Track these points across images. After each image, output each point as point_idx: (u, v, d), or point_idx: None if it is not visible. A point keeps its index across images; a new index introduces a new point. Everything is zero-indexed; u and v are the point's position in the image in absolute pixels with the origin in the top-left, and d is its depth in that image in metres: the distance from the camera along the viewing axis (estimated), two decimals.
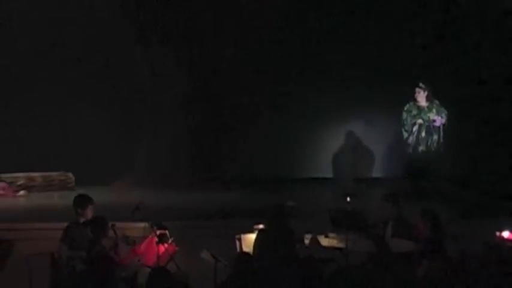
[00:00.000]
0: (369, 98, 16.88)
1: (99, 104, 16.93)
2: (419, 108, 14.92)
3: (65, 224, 9.55)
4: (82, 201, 9.59)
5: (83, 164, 16.08)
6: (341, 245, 9.53)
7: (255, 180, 16.81)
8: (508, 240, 9.13)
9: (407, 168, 15.11)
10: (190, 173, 17.00)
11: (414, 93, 14.95)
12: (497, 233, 9.29)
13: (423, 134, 14.93)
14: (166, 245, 9.28)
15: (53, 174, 16.42)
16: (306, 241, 9.75)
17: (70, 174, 16.39)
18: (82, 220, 9.43)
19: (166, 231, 9.49)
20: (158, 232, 9.42)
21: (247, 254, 8.76)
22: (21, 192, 15.77)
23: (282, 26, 17.20)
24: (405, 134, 15.06)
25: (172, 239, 9.49)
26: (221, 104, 17.49)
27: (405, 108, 15.00)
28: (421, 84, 14.94)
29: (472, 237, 10.05)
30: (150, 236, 9.55)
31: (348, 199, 10.60)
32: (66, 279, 8.93)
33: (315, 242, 9.72)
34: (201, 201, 14.60)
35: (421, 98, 14.93)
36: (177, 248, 9.51)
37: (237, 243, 9.82)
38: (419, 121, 14.87)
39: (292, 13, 17.22)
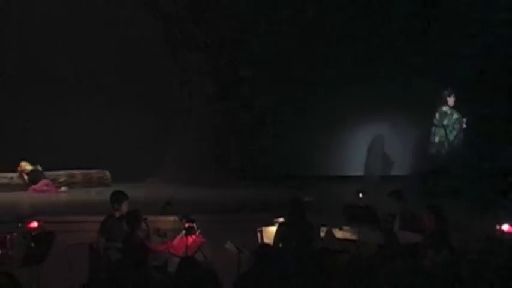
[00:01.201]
0: (390, 99, 16.73)
1: (132, 108, 17.00)
2: (455, 112, 14.82)
3: (102, 218, 9.60)
4: (118, 196, 9.63)
5: (119, 162, 16.13)
6: (354, 237, 9.52)
7: (277, 177, 16.78)
8: (507, 233, 9.07)
9: (453, 167, 14.89)
10: (216, 171, 17.01)
11: (445, 97, 14.81)
12: (498, 226, 9.23)
13: (461, 134, 14.85)
14: (194, 237, 9.29)
15: (91, 172, 16.51)
16: (322, 233, 9.75)
17: (107, 172, 16.47)
18: (118, 214, 9.46)
19: (194, 224, 9.50)
20: (186, 225, 9.44)
21: (267, 245, 8.76)
22: (63, 188, 15.86)
23: (307, 28, 17.06)
24: (451, 136, 14.85)
25: (199, 231, 9.50)
26: (246, 107, 17.45)
27: (448, 112, 14.80)
28: (449, 90, 14.81)
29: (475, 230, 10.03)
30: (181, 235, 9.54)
31: (360, 195, 10.60)
32: (103, 268, 8.98)
33: (329, 234, 9.71)
34: (225, 197, 14.60)
35: (451, 102, 14.80)
36: (203, 240, 9.52)
37: (259, 235, 9.82)
38: (464, 125, 14.79)
39: (319, 16, 17.04)
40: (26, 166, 15.72)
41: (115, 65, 16.96)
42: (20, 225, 9.44)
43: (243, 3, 17.12)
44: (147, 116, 17.23)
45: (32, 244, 8.42)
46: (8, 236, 8.96)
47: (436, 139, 15.02)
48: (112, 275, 8.65)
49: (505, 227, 9.06)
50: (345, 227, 9.81)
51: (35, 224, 9.49)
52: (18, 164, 15.73)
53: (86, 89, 16.90)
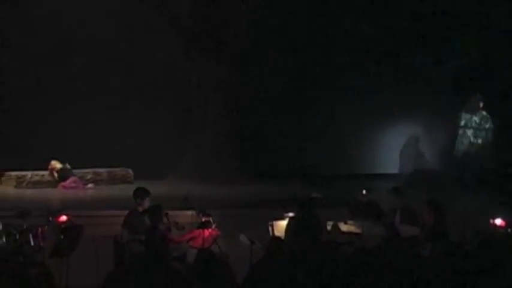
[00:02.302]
0: (425, 101, 16.46)
1: (154, 112, 17.06)
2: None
3: (126, 212, 9.64)
4: (141, 193, 9.65)
5: (141, 161, 16.19)
6: (358, 230, 9.53)
7: (289, 175, 16.74)
8: (500, 226, 9.05)
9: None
10: (230, 169, 17.02)
11: (478, 102, 14.69)
12: (491, 220, 9.21)
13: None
14: (210, 230, 9.32)
15: (116, 170, 16.58)
16: (328, 227, 9.75)
17: (130, 170, 16.53)
18: (140, 209, 9.49)
19: (210, 219, 9.53)
20: (203, 219, 9.46)
21: (278, 237, 8.77)
22: (90, 185, 15.93)
23: (347, 28, 16.83)
24: (490, 137, 14.73)
25: (215, 224, 9.52)
26: (263, 108, 17.39)
27: (488, 116, 14.69)
28: (479, 95, 14.70)
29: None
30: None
31: (364, 192, 10.59)
32: (127, 258, 9.01)
33: (335, 228, 9.72)
34: (239, 193, 14.61)
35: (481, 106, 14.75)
36: (219, 233, 9.55)
37: (270, 228, 9.84)
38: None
39: (359, 18, 16.79)
40: (56, 165, 15.79)
41: (139, 72, 17.04)
42: (50, 219, 9.47)
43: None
44: (167, 119, 17.28)
45: (62, 236, 8.48)
46: (40, 229, 9.00)
47: (479, 141, 14.88)
48: (135, 266, 8.68)
49: (498, 221, 9.05)
50: (349, 221, 9.83)
51: (64, 218, 9.52)
52: (48, 163, 15.82)
53: (112, 93, 16.96)
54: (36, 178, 15.73)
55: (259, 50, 17.25)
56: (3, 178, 15.66)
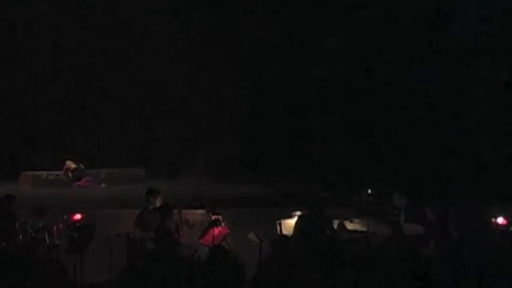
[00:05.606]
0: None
1: (166, 115, 17.09)
2: None
3: (138, 211, 9.67)
4: (152, 192, 9.69)
5: (153, 161, 16.21)
6: (363, 228, 9.52)
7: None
8: (501, 225, 9.03)
9: None
10: (239, 170, 17.02)
11: None
12: (493, 219, 9.17)
13: None
14: (219, 228, 9.33)
15: (128, 169, 16.61)
16: (334, 225, 9.75)
17: (142, 170, 16.55)
18: (152, 207, 9.53)
19: (220, 217, 9.54)
20: (213, 217, 9.47)
21: (285, 236, 8.78)
22: (103, 184, 15.97)
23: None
24: None
25: (224, 223, 9.53)
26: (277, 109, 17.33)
27: None
28: None
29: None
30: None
31: (369, 191, 10.57)
32: (139, 255, 9.04)
33: (341, 226, 9.71)
34: (248, 193, 14.60)
35: None
36: (228, 231, 9.56)
37: (278, 227, 9.84)
38: None
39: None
40: (71, 165, 15.86)
41: (154, 75, 17.09)
42: (65, 217, 9.50)
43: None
44: (179, 122, 17.31)
45: (76, 234, 8.51)
46: (55, 227, 9.04)
47: None
48: (147, 262, 8.70)
49: (500, 220, 9.02)
50: (355, 220, 9.82)
51: (78, 216, 9.56)
52: (64, 163, 15.87)
53: (128, 97, 17.00)
54: (51, 178, 15.79)
55: (271, 53, 17.18)
56: (19, 177, 15.72)
